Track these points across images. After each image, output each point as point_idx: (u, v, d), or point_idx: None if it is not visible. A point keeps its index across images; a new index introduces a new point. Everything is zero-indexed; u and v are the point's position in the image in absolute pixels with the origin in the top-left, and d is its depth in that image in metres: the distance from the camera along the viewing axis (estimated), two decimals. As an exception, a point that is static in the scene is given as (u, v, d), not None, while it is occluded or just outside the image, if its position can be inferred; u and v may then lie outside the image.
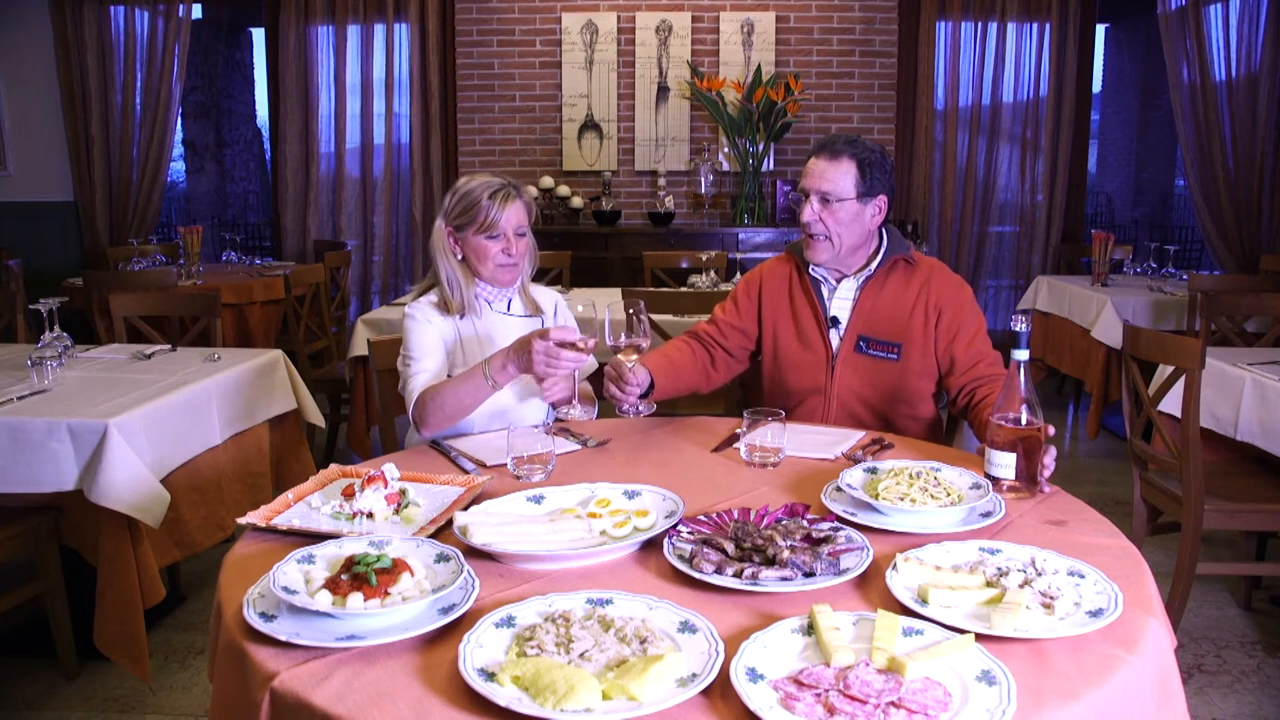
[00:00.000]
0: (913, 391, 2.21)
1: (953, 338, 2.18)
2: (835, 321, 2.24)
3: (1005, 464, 1.63)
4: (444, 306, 2.16)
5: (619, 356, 1.96)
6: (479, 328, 2.17)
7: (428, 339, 2.13)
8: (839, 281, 2.25)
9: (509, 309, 2.24)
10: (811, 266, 2.25)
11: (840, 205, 2.13)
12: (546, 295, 2.35)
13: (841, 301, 2.25)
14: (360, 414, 3.71)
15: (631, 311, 1.92)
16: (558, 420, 2.09)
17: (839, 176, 2.13)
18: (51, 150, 6.31)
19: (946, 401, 2.27)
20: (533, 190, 6.00)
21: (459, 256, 2.16)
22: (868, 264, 2.24)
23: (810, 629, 1.15)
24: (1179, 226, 9.36)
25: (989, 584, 1.26)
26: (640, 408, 2.05)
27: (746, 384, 2.65)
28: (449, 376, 2.10)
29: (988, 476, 1.64)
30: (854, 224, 2.16)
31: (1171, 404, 2.70)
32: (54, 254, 6.34)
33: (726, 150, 6.16)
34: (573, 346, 1.88)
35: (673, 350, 2.30)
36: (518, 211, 2.13)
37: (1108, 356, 4.23)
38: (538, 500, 1.58)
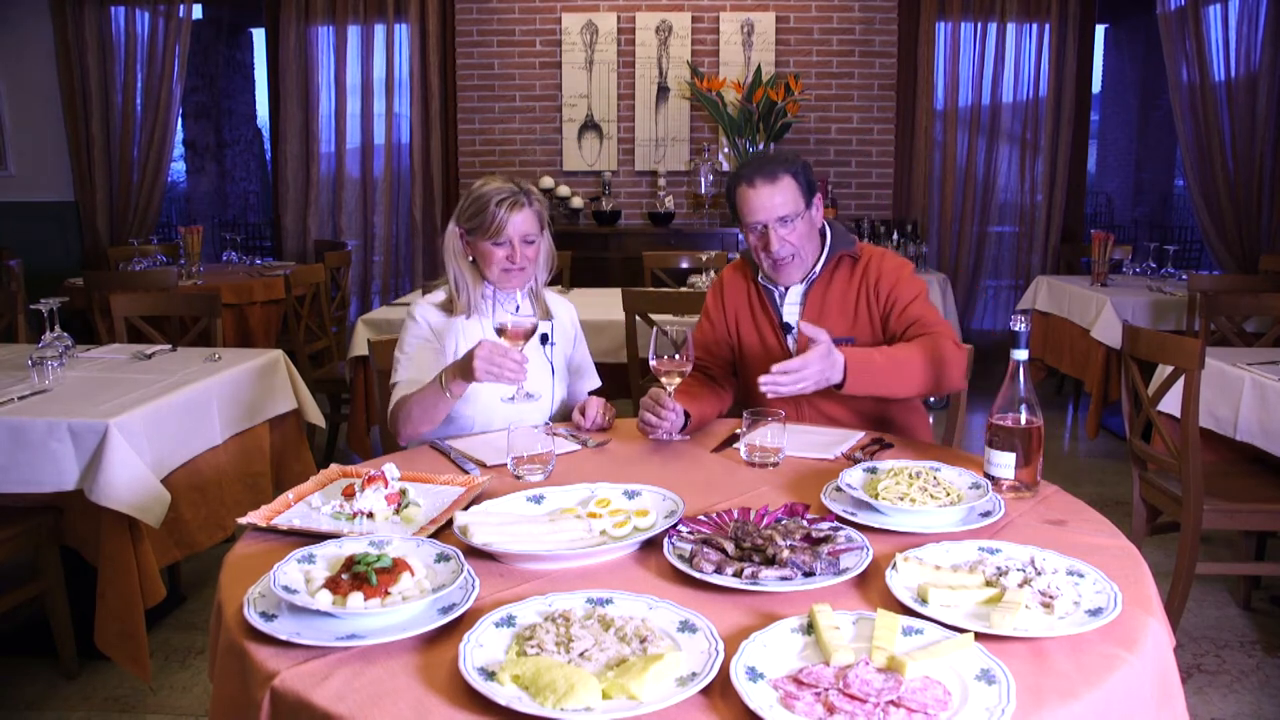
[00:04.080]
0: None
1: (888, 310, 2.17)
2: (789, 327, 2.24)
3: (1005, 464, 1.64)
4: (449, 306, 2.18)
5: (662, 379, 1.95)
6: (484, 328, 2.18)
7: (416, 346, 2.14)
8: (787, 289, 2.25)
9: (516, 312, 2.24)
10: (760, 275, 2.26)
11: (798, 220, 2.13)
12: (563, 306, 2.34)
13: (791, 307, 2.24)
14: (360, 414, 3.71)
15: (676, 330, 1.92)
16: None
17: (787, 196, 2.11)
18: (52, 150, 6.31)
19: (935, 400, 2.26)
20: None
21: (470, 258, 2.17)
22: (812, 268, 2.23)
23: (810, 628, 1.16)
24: (1179, 226, 9.35)
25: (988, 583, 1.26)
26: (675, 435, 2.01)
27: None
28: None
29: (987, 476, 1.65)
30: (811, 232, 2.18)
31: (1171, 404, 2.70)
32: (54, 254, 6.33)
33: (726, 150, 6.16)
34: (515, 335, 1.88)
35: (686, 385, 2.25)
36: (526, 219, 2.11)
37: (1107, 356, 4.22)
38: (538, 500, 1.59)
